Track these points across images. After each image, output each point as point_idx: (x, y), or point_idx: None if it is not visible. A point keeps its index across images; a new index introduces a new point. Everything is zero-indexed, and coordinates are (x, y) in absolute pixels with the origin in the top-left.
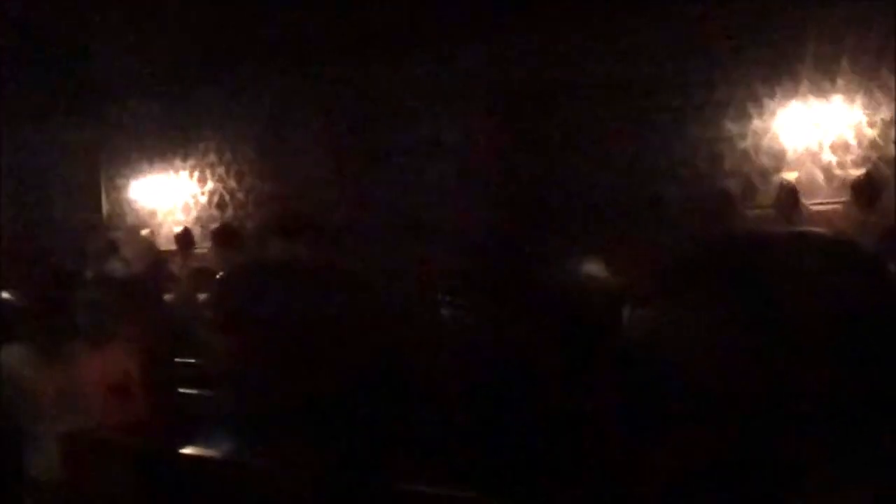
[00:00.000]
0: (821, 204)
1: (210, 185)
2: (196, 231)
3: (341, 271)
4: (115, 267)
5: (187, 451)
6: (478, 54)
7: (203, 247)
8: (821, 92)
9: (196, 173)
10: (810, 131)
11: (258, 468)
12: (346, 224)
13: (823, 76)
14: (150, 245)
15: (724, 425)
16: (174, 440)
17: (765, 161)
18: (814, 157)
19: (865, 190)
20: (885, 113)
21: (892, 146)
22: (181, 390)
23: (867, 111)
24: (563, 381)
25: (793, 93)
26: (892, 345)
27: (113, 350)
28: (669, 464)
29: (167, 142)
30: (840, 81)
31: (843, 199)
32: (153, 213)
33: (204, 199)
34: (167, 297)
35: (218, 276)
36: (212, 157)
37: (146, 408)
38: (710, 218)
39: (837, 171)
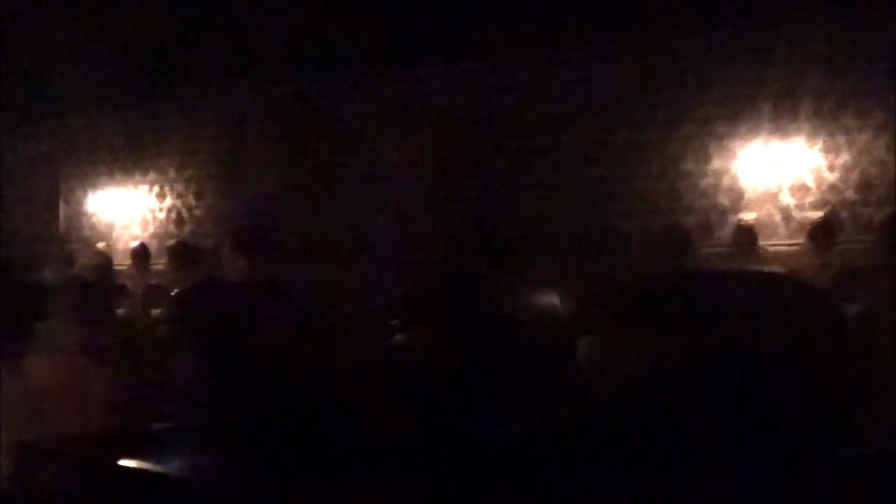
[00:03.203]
0: (778, 245)
1: (169, 200)
2: (153, 246)
3: (292, 292)
4: (71, 279)
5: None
6: (437, 79)
7: (159, 262)
8: (782, 134)
9: (155, 188)
10: (770, 172)
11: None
12: (301, 245)
13: (785, 118)
14: (105, 259)
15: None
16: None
17: (723, 200)
18: (772, 198)
19: (823, 233)
20: (844, 157)
21: (851, 191)
22: (135, 404)
23: (827, 155)
24: (511, 408)
25: (754, 133)
26: (843, 384)
27: (67, 361)
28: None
29: (127, 156)
30: (802, 124)
31: (800, 240)
32: (110, 227)
33: (162, 215)
34: (121, 311)
35: (172, 294)
36: (172, 173)
37: (100, 420)
38: (666, 254)
39: (795, 213)
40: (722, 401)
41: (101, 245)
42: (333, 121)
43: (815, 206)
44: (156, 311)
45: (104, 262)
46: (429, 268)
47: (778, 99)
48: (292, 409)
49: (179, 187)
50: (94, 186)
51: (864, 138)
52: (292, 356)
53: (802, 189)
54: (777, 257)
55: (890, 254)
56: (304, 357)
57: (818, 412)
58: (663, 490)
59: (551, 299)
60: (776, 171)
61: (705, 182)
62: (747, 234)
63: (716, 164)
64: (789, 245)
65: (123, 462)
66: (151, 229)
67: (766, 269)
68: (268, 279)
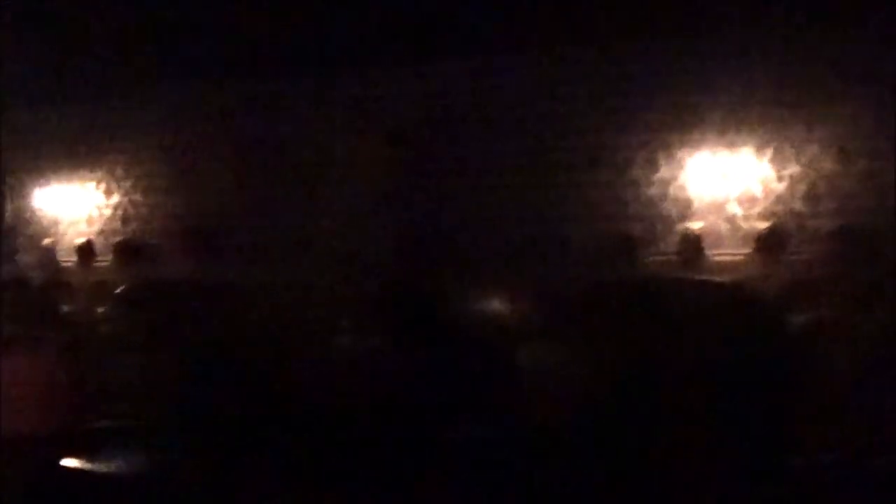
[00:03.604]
0: (724, 255)
1: (116, 198)
2: (99, 243)
3: (238, 291)
4: (15, 275)
5: (81, 463)
6: (389, 82)
7: (105, 259)
8: (730, 144)
9: (102, 185)
10: (718, 182)
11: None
12: (248, 245)
13: (734, 128)
14: (51, 255)
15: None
16: (69, 452)
17: (671, 209)
18: (720, 208)
19: (769, 243)
20: (793, 168)
21: (799, 202)
22: (78, 402)
23: (776, 166)
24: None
25: (702, 143)
26: (789, 393)
27: (11, 357)
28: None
29: (75, 152)
30: (750, 135)
31: (746, 250)
32: (56, 223)
33: (108, 212)
34: (66, 308)
35: (117, 291)
36: (119, 171)
37: (42, 418)
38: (613, 261)
39: (742, 224)
40: (668, 408)
41: (46, 241)
42: (283, 121)
43: (762, 217)
44: (100, 309)
45: (49, 258)
46: (378, 271)
47: (727, 109)
48: (237, 409)
49: (127, 184)
50: (41, 182)
51: (812, 150)
52: (237, 356)
53: (750, 199)
54: (723, 267)
55: (835, 266)
56: (250, 357)
57: (764, 421)
58: (607, 493)
59: (498, 305)
60: (724, 181)
61: (653, 191)
62: (694, 244)
63: (664, 173)
64: (736, 255)
65: (65, 461)
66: (98, 226)
67: (711, 278)
68: (214, 279)
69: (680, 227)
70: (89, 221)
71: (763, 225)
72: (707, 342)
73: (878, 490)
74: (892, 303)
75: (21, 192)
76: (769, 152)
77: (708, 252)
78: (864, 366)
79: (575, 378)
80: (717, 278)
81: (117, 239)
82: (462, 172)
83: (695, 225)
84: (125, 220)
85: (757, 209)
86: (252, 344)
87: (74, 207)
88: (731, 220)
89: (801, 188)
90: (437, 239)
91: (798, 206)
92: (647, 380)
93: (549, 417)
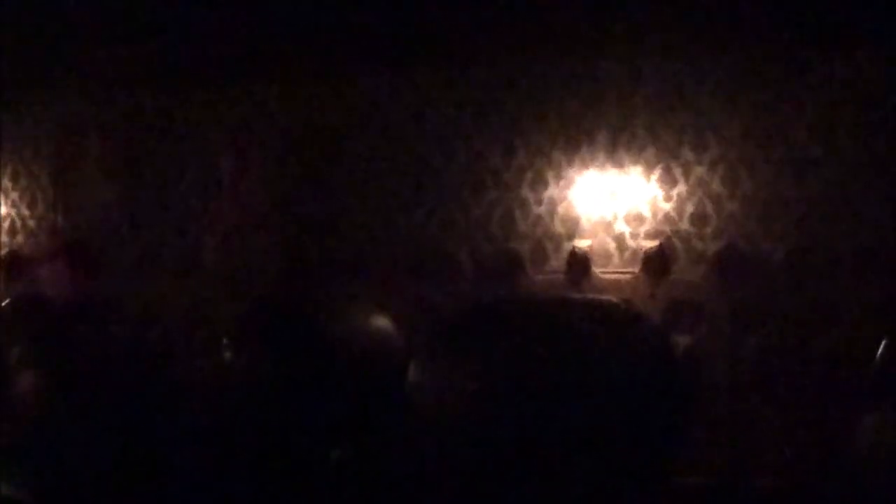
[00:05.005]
0: (612, 273)
1: (3, 209)
2: None
3: (122, 307)
4: None
5: None
6: (273, 96)
7: None
8: (619, 163)
9: None
10: (606, 201)
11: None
12: (132, 260)
13: (622, 147)
14: None
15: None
16: None
17: (558, 227)
18: (607, 226)
19: (656, 262)
20: (681, 188)
21: (686, 221)
22: None
23: (664, 185)
24: (341, 429)
25: (590, 162)
26: (671, 413)
27: None
28: None
29: None
30: (638, 154)
31: (633, 269)
32: None
33: None
34: None
35: (1, 305)
36: (6, 182)
37: None
38: (500, 279)
39: (630, 242)
40: (551, 428)
41: None
42: (169, 134)
43: (649, 236)
44: None
45: None
46: (260, 288)
47: (615, 128)
48: (120, 427)
49: (14, 196)
50: None
51: (699, 171)
52: (120, 373)
53: (638, 218)
54: (610, 285)
55: (720, 287)
56: (132, 373)
57: (647, 441)
58: None
59: (383, 323)
60: (612, 200)
61: (540, 209)
62: (581, 261)
63: (552, 191)
64: (623, 273)
65: None
66: None
67: (597, 296)
68: (97, 294)
69: (568, 244)
70: None
71: (650, 244)
72: (593, 360)
73: None
74: (774, 325)
75: None
76: (657, 172)
77: (595, 270)
78: (745, 387)
79: (460, 397)
80: (604, 296)
81: (3, 252)
82: (347, 189)
83: (582, 243)
84: (11, 232)
85: (644, 228)
86: (135, 360)
87: None
88: (618, 238)
89: (688, 208)
90: (321, 256)
91: (684, 225)
92: (533, 397)
93: (432, 438)
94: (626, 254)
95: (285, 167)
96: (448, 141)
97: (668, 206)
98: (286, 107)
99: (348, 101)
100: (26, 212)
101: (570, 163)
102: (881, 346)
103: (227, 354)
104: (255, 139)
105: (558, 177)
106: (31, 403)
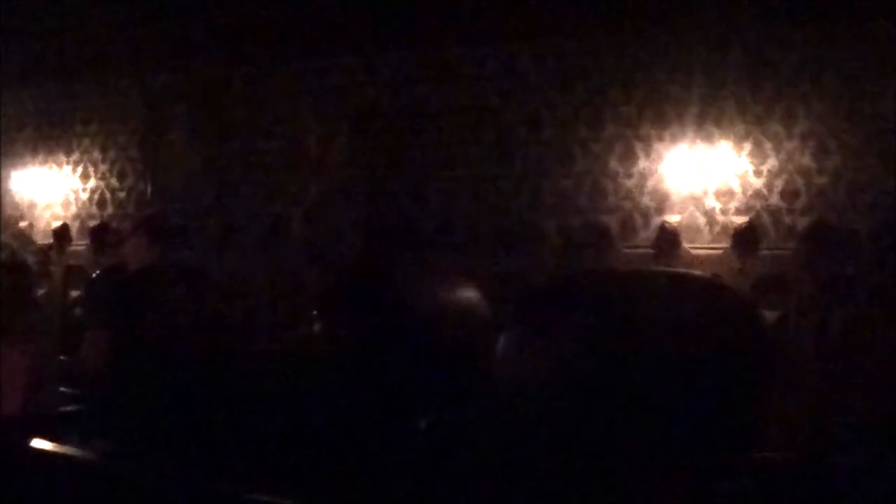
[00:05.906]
0: (701, 248)
1: (92, 182)
2: (75, 227)
3: (208, 279)
4: None
5: (51, 446)
6: (355, 70)
7: (81, 243)
8: (709, 138)
9: (79, 169)
10: (696, 176)
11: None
12: (218, 233)
13: (712, 122)
14: (26, 238)
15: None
16: (39, 435)
17: (648, 201)
18: (697, 201)
19: (746, 238)
20: (771, 163)
21: (777, 196)
22: (49, 386)
23: (754, 160)
24: (429, 399)
25: (681, 136)
26: (760, 388)
27: None
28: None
29: (51, 134)
30: (728, 129)
31: (723, 245)
32: (32, 206)
33: (85, 196)
34: (41, 291)
35: (93, 276)
36: (96, 154)
37: (13, 401)
38: (587, 252)
39: (720, 218)
40: (638, 401)
41: (22, 224)
42: (253, 108)
43: (739, 212)
44: (75, 293)
45: (25, 241)
46: (346, 260)
47: (705, 102)
48: (205, 396)
49: (103, 168)
50: (17, 165)
51: (790, 146)
52: (206, 343)
53: (728, 194)
54: (700, 261)
55: (809, 262)
56: (218, 344)
57: (735, 415)
58: (572, 486)
59: (469, 294)
60: (702, 175)
61: (630, 182)
62: (670, 237)
63: (641, 165)
64: (712, 249)
65: (35, 444)
66: (74, 210)
67: (687, 271)
68: (184, 265)
69: (657, 219)
70: (65, 205)
71: (740, 220)
72: (681, 334)
73: (843, 487)
74: (864, 300)
75: None
76: (748, 147)
77: (684, 245)
78: (833, 361)
79: (545, 369)
80: (694, 271)
81: (93, 223)
82: (432, 162)
83: (672, 218)
84: (101, 204)
85: (734, 204)
86: (219, 331)
87: (50, 191)
88: (708, 213)
89: (779, 183)
90: (406, 229)
91: (775, 200)
92: (617, 372)
93: (516, 409)
94: (716, 229)
95: (371, 138)
96: (534, 115)
97: (758, 182)
98: (372, 79)
99: (433, 72)
100: (116, 184)
101: (660, 136)
102: None
103: (315, 325)
104: (340, 111)
105: (648, 150)
106: (118, 370)
